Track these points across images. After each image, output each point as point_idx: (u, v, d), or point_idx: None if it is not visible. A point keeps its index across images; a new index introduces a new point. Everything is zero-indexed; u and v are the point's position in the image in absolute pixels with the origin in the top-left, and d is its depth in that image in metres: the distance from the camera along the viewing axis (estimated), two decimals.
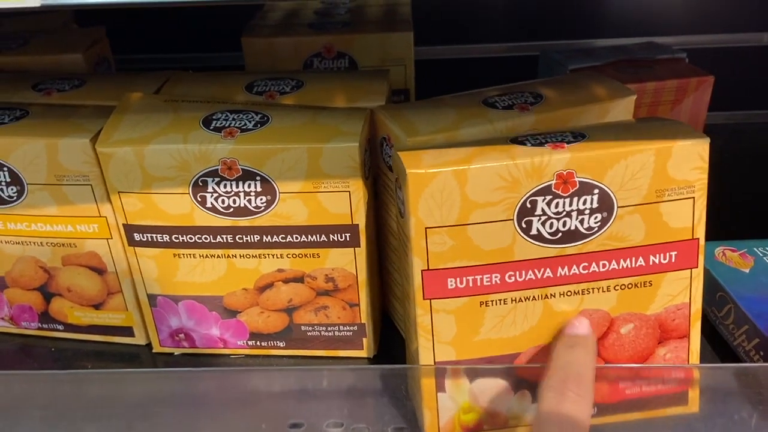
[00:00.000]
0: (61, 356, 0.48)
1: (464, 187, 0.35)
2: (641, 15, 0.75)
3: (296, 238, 0.42)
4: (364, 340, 0.46)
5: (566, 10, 0.75)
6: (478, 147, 0.36)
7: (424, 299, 0.37)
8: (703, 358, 0.43)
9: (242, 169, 0.40)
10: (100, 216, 0.44)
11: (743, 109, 0.78)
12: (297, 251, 0.43)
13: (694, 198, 0.36)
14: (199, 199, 0.41)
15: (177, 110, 0.43)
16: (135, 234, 0.43)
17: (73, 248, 0.45)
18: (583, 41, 0.75)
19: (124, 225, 0.43)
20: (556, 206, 0.35)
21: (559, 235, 0.36)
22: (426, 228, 0.35)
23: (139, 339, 0.49)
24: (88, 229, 0.44)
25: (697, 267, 0.38)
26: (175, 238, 0.43)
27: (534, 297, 0.37)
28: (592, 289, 0.37)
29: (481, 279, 0.36)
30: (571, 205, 0.36)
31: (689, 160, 0.35)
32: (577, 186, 0.35)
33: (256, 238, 0.42)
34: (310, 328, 0.46)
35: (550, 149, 0.35)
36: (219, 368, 0.47)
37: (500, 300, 0.37)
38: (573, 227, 0.36)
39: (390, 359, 0.46)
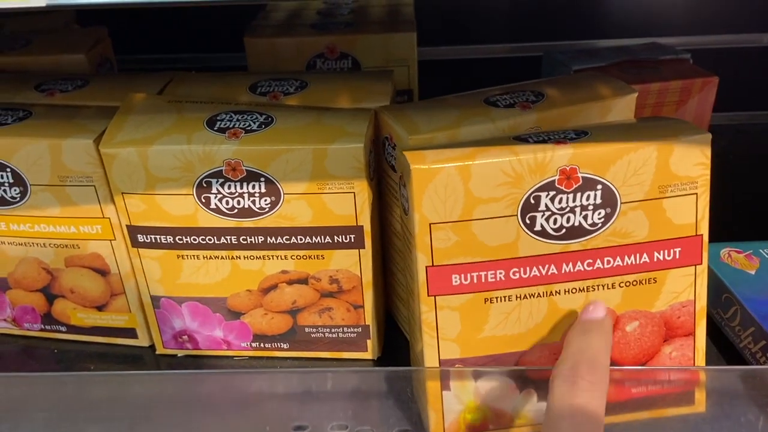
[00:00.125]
0: (64, 358, 0.48)
1: (468, 183, 0.35)
2: (645, 15, 0.75)
3: (300, 239, 0.42)
4: (369, 341, 0.46)
5: (570, 11, 0.75)
6: (480, 144, 0.36)
7: (428, 296, 0.37)
8: (709, 360, 0.43)
9: (246, 170, 0.40)
10: (104, 217, 0.43)
11: (747, 109, 0.78)
12: (301, 252, 0.43)
13: (697, 194, 0.36)
14: (203, 200, 0.41)
15: (180, 111, 0.43)
16: (138, 235, 0.43)
17: (76, 249, 0.45)
18: (586, 42, 0.75)
19: (127, 226, 0.43)
20: (560, 202, 0.35)
21: (563, 231, 0.36)
22: (430, 224, 0.35)
23: (142, 341, 0.48)
24: (91, 230, 0.44)
25: (701, 263, 0.38)
26: (179, 239, 0.43)
27: (538, 294, 0.37)
28: (597, 285, 0.37)
29: (486, 275, 0.36)
30: (574, 200, 0.36)
31: (691, 156, 0.36)
32: (581, 182, 0.35)
33: (260, 239, 0.42)
34: (314, 330, 0.46)
35: (553, 145, 0.35)
36: (222, 370, 0.47)
37: (505, 297, 0.37)
38: (577, 223, 0.36)
39: (394, 361, 0.46)
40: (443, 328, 0.37)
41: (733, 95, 0.65)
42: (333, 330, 0.46)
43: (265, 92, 0.47)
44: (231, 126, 0.41)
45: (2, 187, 0.43)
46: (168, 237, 0.43)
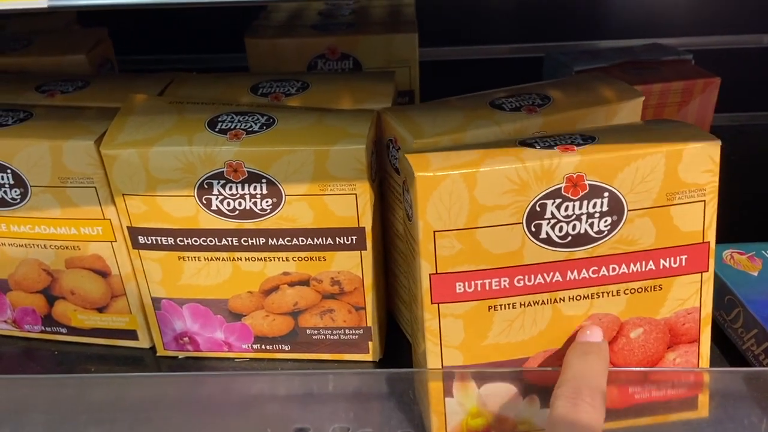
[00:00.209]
0: (65, 360, 0.48)
1: (473, 191, 0.34)
2: (646, 16, 0.75)
3: (302, 240, 0.42)
4: (370, 343, 0.46)
5: (571, 12, 0.75)
6: (486, 149, 0.36)
7: (432, 303, 0.36)
8: (712, 362, 0.43)
9: (248, 171, 0.40)
10: (104, 218, 0.43)
11: (748, 110, 0.78)
12: (303, 254, 0.43)
13: (704, 201, 0.36)
14: (205, 202, 0.41)
15: (182, 112, 0.43)
16: (139, 237, 0.43)
17: (77, 251, 0.45)
18: (588, 43, 0.75)
19: (128, 227, 0.43)
20: (566, 209, 0.35)
21: (569, 238, 0.36)
22: (434, 231, 0.35)
23: (143, 342, 0.48)
24: (92, 231, 0.44)
25: (707, 271, 0.37)
26: (180, 240, 0.43)
27: (543, 301, 0.37)
28: (602, 293, 0.37)
29: (490, 283, 0.36)
30: (580, 208, 0.35)
31: (700, 163, 0.35)
32: (587, 189, 0.35)
33: (262, 240, 0.42)
34: (316, 332, 0.45)
35: (560, 152, 0.35)
36: (223, 372, 0.47)
37: (509, 304, 0.37)
38: (582, 231, 0.36)
39: (396, 363, 0.46)
40: (446, 336, 0.37)
41: (735, 96, 0.65)
42: (334, 332, 0.45)
43: (266, 93, 0.46)
44: (232, 127, 0.41)
45: (3, 189, 0.43)
46: (169, 238, 0.43)
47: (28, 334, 0.49)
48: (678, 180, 0.35)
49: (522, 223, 0.35)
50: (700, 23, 0.75)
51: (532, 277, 0.36)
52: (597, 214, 0.35)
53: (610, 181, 0.35)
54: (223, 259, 0.43)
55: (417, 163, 0.35)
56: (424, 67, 0.58)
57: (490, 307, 0.37)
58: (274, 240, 0.42)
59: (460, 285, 0.36)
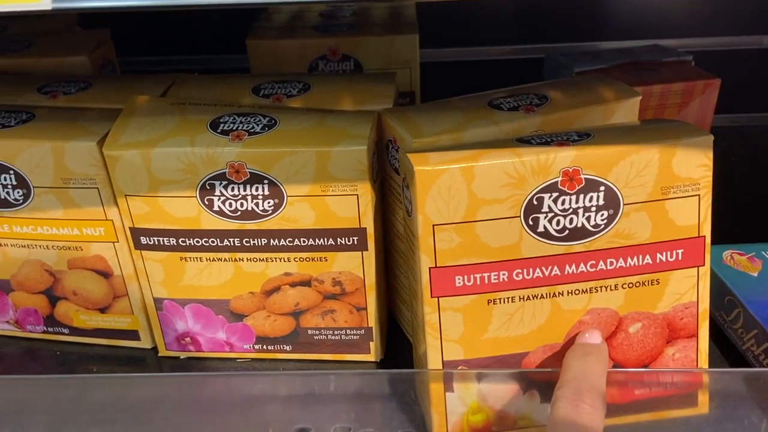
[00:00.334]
0: (67, 360, 0.48)
1: (471, 184, 0.35)
2: (646, 17, 0.75)
3: (303, 241, 0.42)
4: (371, 343, 0.46)
5: (571, 13, 0.75)
6: (484, 147, 0.36)
7: (431, 297, 0.37)
8: (712, 363, 0.43)
9: (250, 172, 0.40)
10: (107, 219, 0.43)
11: (748, 111, 0.78)
12: (304, 255, 0.43)
13: (699, 195, 0.36)
14: (207, 203, 0.41)
15: (184, 113, 0.43)
16: (141, 237, 0.43)
17: (79, 251, 0.45)
18: (588, 44, 0.75)
19: (130, 228, 0.43)
20: (563, 203, 0.36)
21: (566, 232, 0.36)
22: (433, 225, 0.35)
23: (144, 343, 0.48)
24: (94, 232, 0.44)
25: (704, 265, 0.38)
26: (182, 241, 0.43)
27: (542, 295, 0.37)
28: (600, 287, 0.37)
29: (489, 276, 0.37)
30: (577, 202, 0.36)
31: (694, 157, 0.36)
32: (583, 183, 0.35)
33: (264, 241, 0.42)
34: (317, 332, 0.46)
35: (556, 147, 0.35)
36: (225, 372, 0.47)
37: (508, 298, 0.37)
38: (580, 224, 0.36)
39: (397, 363, 0.46)
40: (446, 330, 0.37)
41: (735, 97, 0.65)
42: (336, 332, 0.46)
43: (268, 94, 0.47)
44: (234, 128, 0.41)
45: (5, 190, 0.43)
46: (171, 239, 0.43)
47: (30, 335, 0.50)
48: (672, 174, 0.36)
49: (520, 216, 0.36)
50: (700, 24, 0.75)
51: (531, 270, 0.37)
52: (593, 208, 0.36)
53: (605, 175, 0.35)
54: (225, 260, 0.43)
55: (416, 159, 0.35)
56: (425, 69, 0.58)
57: (489, 301, 0.37)
58: (276, 241, 0.42)
59: (459, 278, 0.36)
